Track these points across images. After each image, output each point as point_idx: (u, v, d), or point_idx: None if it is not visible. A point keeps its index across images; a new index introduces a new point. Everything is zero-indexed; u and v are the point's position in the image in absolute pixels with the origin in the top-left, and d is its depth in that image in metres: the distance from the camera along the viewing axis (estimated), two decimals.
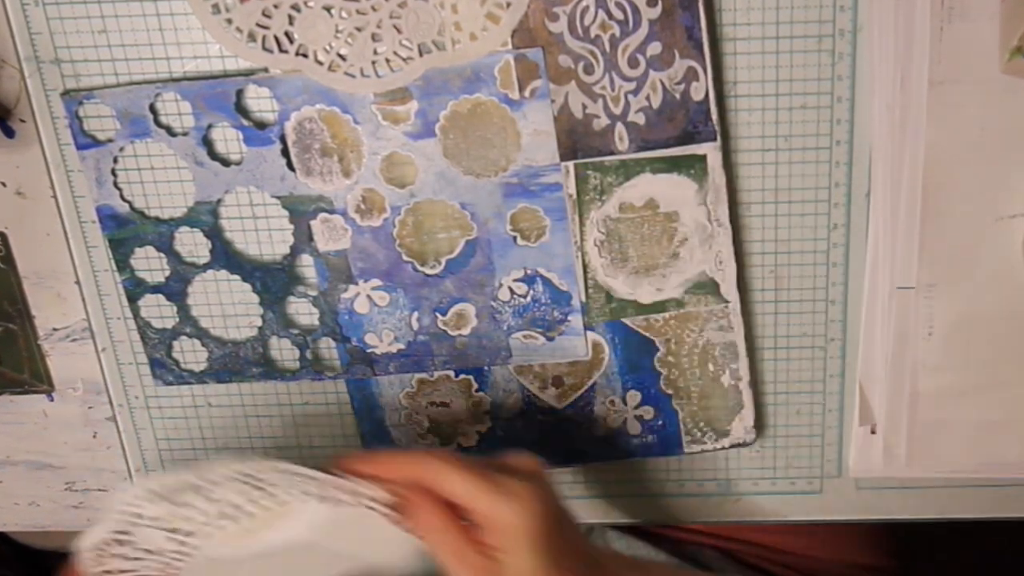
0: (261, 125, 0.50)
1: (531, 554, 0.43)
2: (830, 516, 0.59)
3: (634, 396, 0.55)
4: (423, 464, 0.44)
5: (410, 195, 0.51)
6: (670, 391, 0.55)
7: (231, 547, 0.44)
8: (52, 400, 0.58)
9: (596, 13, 0.48)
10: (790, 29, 0.48)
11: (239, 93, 0.50)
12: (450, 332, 0.54)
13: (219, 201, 0.52)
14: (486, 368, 0.55)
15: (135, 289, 0.54)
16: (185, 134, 0.51)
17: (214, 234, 0.53)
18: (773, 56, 0.49)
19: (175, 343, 0.56)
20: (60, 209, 0.53)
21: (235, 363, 0.56)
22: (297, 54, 0.48)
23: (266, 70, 0.49)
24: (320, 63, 0.49)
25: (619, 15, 0.48)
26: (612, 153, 0.50)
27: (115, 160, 0.52)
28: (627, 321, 0.54)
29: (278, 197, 0.52)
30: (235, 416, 0.58)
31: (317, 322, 0.54)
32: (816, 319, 0.54)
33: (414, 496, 0.44)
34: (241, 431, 0.58)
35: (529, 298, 0.53)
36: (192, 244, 0.53)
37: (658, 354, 0.54)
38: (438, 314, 0.54)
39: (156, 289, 0.54)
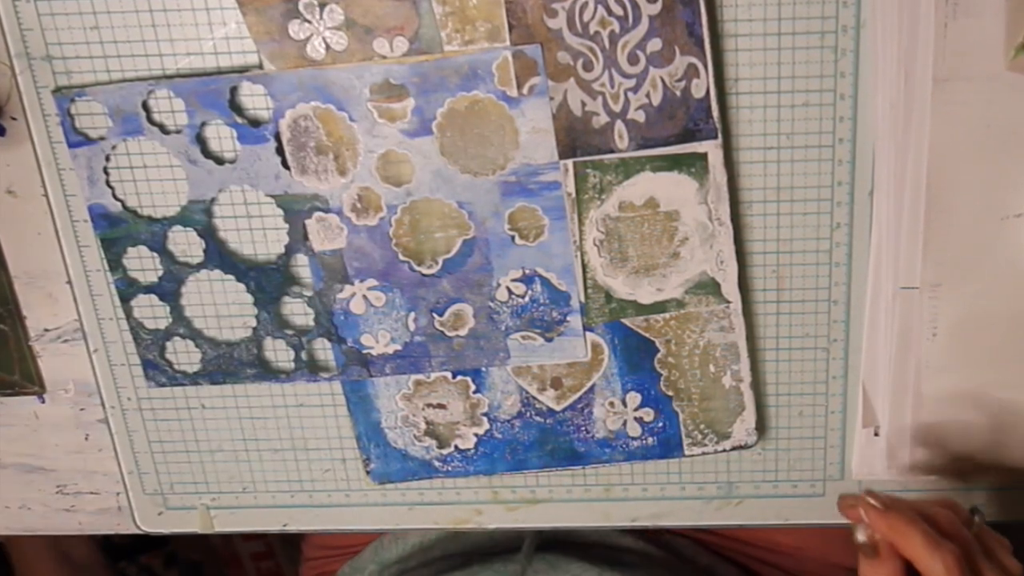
0: (255, 123, 0.50)
1: None
2: (832, 519, 0.58)
3: (634, 398, 0.55)
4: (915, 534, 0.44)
5: (406, 194, 0.51)
6: (670, 393, 0.55)
7: None
8: (43, 402, 0.57)
9: (595, 9, 0.47)
10: (792, 25, 0.48)
11: (233, 90, 0.49)
12: (447, 333, 0.54)
13: (213, 200, 0.52)
14: (484, 369, 0.55)
15: (127, 289, 0.54)
16: (178, 132, 0.50)
17: (207, 233, 0.52)
18: (775, 52, 0.48)
19: (168, 344, 0.55)
20: (51, 208, 0.53)
21: (229, 364, 0.55)
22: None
23: (260, 67, 0.49)
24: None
25: (619, 11, 0.47)
26: (612, 151, 0.49)
27: (107, 158, 0.51)
28: (627, 322, 0.53)
29: (272, 196, 0.51)
30: (229, 418, 0.57)
31: (312, 323, 0.54)
32: (818, 319, 0.54)
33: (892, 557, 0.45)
34: (235, 433, 0.58)
35: (527, 298, 0.53)
36: (185, 244, 0.53)
37: (658, 355, 0.54)
38: (435, 314, 0.53)
39: (149, 289, 0.54)
